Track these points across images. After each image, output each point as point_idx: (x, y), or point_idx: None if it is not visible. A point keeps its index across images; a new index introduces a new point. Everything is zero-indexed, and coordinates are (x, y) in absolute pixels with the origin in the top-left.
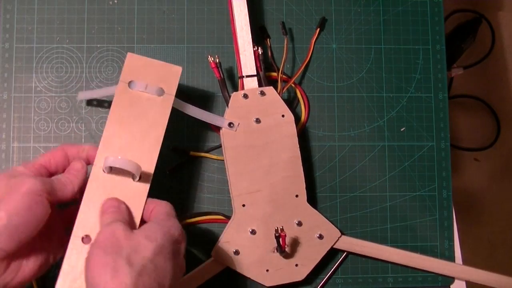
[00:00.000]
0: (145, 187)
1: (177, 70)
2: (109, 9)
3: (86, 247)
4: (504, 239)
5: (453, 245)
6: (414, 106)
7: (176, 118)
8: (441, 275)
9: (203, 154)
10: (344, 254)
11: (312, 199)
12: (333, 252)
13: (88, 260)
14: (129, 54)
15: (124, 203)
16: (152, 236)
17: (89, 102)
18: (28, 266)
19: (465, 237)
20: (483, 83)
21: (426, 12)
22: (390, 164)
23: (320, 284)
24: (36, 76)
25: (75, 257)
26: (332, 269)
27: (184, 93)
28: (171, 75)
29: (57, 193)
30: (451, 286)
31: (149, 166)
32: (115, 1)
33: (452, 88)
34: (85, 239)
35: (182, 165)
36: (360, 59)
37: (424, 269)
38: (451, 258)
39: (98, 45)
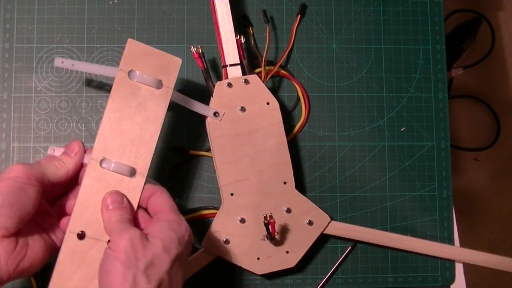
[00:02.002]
0: (141, 181)
1: (177, 61)
2: (109, 9)
3: (81, 243)
4: (504, 239)
5: (453, 245)
6: (414, 106)
7: (176, 118)
8: (440, 258)
9: (202, 153)
10: (349, 249)
11: (313, 199)
12: (333, 251)
13: (106, 271)
14: (129, 40)
15: (126, 197)
16: (168, 247)
17: (89, 83)
18: (36, 246)
19: (465, 237)
20: (483, 83)
21: (426, 12)
22: (390, 164)
23: (320, 284)
24: (36, 76)
25: (69, 254)
26: (333, 268)
27: (183, 92)
28: (171, 66)
29: (48, 176)
30: (451, 286)
31: (145, 161)
32: (115, 1)
33: (452, 88)
34: (80, 235)
35: (182, 164)
36: (360, 59)
37: (421, 252)
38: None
39: (98, 45)
